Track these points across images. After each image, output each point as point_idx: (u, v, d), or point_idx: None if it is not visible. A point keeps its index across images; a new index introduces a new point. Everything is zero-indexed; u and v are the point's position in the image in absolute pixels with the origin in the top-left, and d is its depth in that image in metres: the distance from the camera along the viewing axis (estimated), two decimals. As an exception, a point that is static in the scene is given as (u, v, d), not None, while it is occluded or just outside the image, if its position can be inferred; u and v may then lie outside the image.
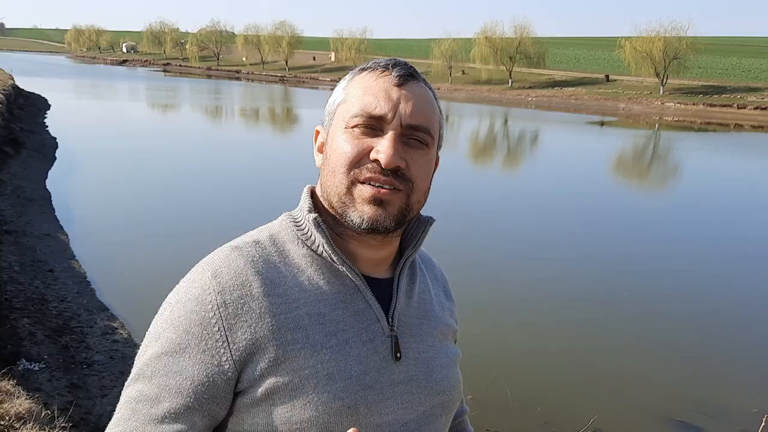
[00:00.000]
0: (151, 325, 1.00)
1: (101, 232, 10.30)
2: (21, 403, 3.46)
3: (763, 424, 4.95)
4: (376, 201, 0.97)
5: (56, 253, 8.90)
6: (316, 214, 1.01)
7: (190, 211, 11.88)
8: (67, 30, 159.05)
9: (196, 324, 0.94)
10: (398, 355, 1.02)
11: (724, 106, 44.56)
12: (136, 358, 1.00)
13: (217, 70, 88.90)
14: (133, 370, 0.99)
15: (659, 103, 47.56)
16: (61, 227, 10.24)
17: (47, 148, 17.87)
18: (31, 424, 3.19)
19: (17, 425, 3.19)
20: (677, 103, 46.80)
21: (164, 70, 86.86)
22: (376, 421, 0.98)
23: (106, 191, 13.48)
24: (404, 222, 1.02)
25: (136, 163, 16.92)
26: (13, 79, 33.50)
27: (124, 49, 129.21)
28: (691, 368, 6.53)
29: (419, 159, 1.00)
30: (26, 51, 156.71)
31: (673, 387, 6.06)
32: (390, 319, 1.03)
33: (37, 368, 5.42)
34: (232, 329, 0.94)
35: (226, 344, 0.94)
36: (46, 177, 14.11)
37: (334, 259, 1.01)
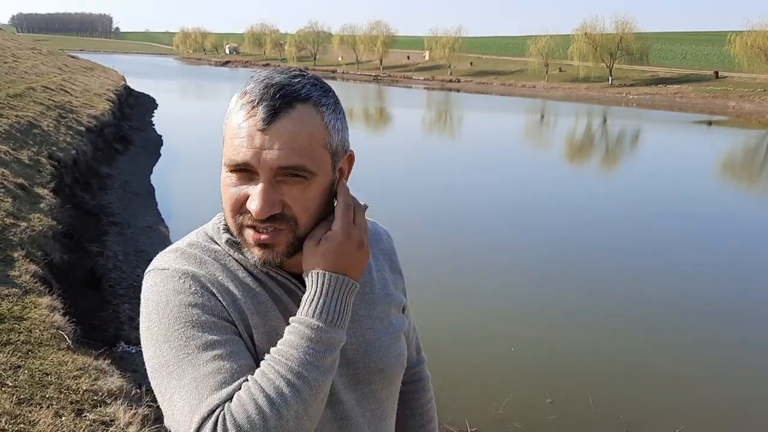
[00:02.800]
0: (148, 332, 1.01)
1: (198, 225, 10.79)
2: (114, 381, 3.71)
3: None
4: (261, 245, 1.02)
5: (157, 245, 9.41)
6: (228, 236, 1.07)
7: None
8: (175, 33, 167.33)
9: (189, 293, 1.01)
10: None
11: None
12: (156, 366, 0.99)
13: (314, 69, 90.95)
14: (161, 369, 0.98)
15: (774, 100, 44.58)
16: (162, 220, 10.82)
17: (153, 145, 18.91)
18: (120, 401, 3.42)
19: (108, 401, 3.43)
20: (794, 100, 43.72)
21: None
22: None
23: (206, 187, 14.09)
24: (298, 250, 1.04)
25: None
26: (125, 80, 35.67)
27: (227, 51, 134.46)
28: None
29: (299, 194, 1.00)
30: (138, 53, 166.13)
31: (764, 400, 5.71)
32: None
33: (134, 351, 5.77)
34: (219, 292, 1.02)
35: (222, 307, 1.01)
36: (151, 172, 14.95)
37: (258, 270, 1.08)
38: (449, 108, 41.31)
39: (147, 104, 31.01)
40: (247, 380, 0.93)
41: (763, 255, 10.39)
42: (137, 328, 4.33)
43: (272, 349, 0.97)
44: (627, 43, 59.54)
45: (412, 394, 1.42)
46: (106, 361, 4.08)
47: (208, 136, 22.67)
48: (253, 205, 0.98)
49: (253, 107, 0.97)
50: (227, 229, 1.08)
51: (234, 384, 0.93)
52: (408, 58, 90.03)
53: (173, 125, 24.11)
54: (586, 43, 60.26)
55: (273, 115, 0.97)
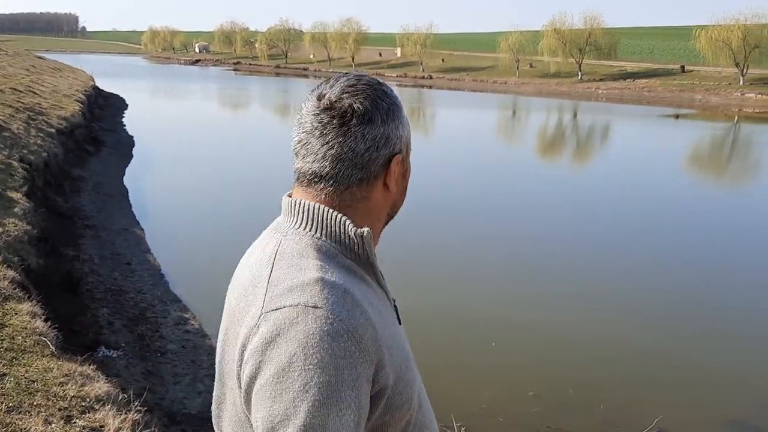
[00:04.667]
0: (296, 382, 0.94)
1: (175, 227, 10.73)
2: (100, 386, 3.68)
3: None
4: None
5: (133, 247, 9.33)
6: (368, 228, 1.10)
7: (261, 205, 12.19)
8: (143, 32, 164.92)
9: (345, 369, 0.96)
10: (399, 320, 1.18)
11: (812, 96, 42.25)
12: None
13: (286, 68, 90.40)
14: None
15: (739, 94, 45.47)
16: (137, 222, 10.71)
17: (125, 146, 18.68)
18: (109, 406, 3.41)
19: (97, 407, 3.41)
20: (759, 93, 44.62)
21: (235, 69, 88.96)
22: (413, 377, 1.14)
23: (180, 187, 14.00)
24: None
25: (208, 159, 17.49)
26: (93, 80, 35.12)
27: (197, 49, 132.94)
28: (763, 369, 6.29)
29: None
30: (106, 53, 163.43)
31: (744, 388, 5.86)
32: (387, 293, 1.18)
33: (115, 355, 5.73)
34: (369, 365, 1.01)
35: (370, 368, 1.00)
36: (124, 174, 14.76)
37: (372, 262, 1.13)
38: (422, 105, 41.43)
39: (117, 105, 30.60)
40: None
41: (739, 244, 10.63)
42: (117, 332, 4.27)
43: None
44: (595, 39, 60.26)
45: None
46: (91, 367, 4.05)
47: (180, 135, 22.52)
48: None
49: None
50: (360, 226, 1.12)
51: None
52: (380, 55, 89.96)
53: (145, 125, 23.81)
54: (556, 38, 60.84)
55: None
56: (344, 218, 1.10)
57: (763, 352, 6.64)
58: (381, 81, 1.14)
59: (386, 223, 1.21)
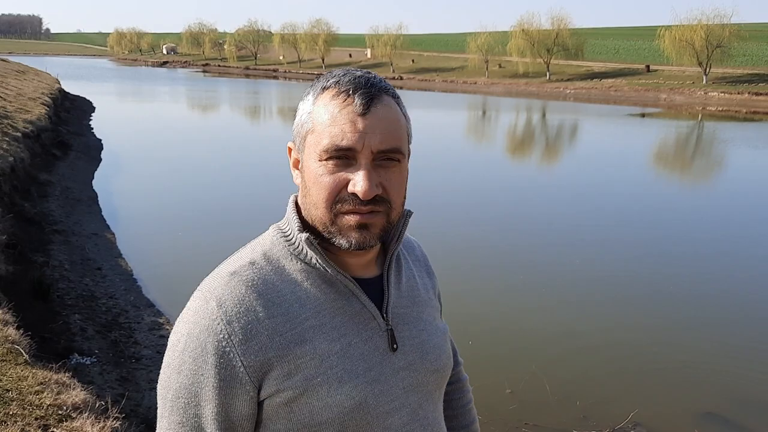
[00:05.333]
0: (168, 356, 1.07)
1: (146, 231, 10.59)
2: (77, 394, 3.63)
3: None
4: (361, 227, 1.04)
5: (104, 252, 9.19)
6: (308, 234, 1.07)
7: (232, 208, 12.11)
8: (109, 33, 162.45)
9: (211, 354, 1.02)
10: (395, 345, 1.12)
11: (772, 94, 43.31)
12: (161, 388, 1.07)
13: (255, 69, 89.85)
14: (163, 403, 1.07)
15: (702, 93, 46.45)
16: (108, 226, 10.55)
17: (93, 150, 18.38)
18: (86, 414, 3.36)
19: (74, 415, 3.36)
20: (721, 92, 45.65)
21: (203, 71, 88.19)
22: (385, 409, 1.08)
23: (150, 190, 13.83)
24: (386, 235, 1.10)
25: (178, 162, 17.30)
26: (59, 83, 34.48)
27: (165, 51, 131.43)
28: (738, 362, 6.43)
29: (394, 177, 1.06)
30: (70, 55, 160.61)
31: (718, 381, 5.99)
32: (384, 315, 1.13)
33: (88, 362, 5.64)
34: (245, 354, 1.02)
35: (243, 369, 1.01)
36: (93, 178, 14.54)
37: (329, 270, 1.08)
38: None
39: (84, 108, 30.09)
40: None
41: (710, 238, 10.84)
42: (90, 339, 4.24)
43: None
44: (563, 39, 61.03)
45: (453, 395, 1.47)
46: (66, 374, 3.99)
47: (149, 138, 22.23)
48: (359, 186, 1.01)
49: (348, 96, 1.02)
50: (302, 229, 1.09)
51: None
52: (350, 56, 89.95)
53: (113, 128, 23.48)
54: (524, 39, 61.50)
55: (370, 101, 1.03)
56: (294, 214, 1.12)
57: (735, 347, 6.80)
58: (336, 71, 1.09)
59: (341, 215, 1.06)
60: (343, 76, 1.05)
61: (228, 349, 1.01)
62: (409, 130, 1.11)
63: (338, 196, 1.04)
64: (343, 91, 1.03)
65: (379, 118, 1.02)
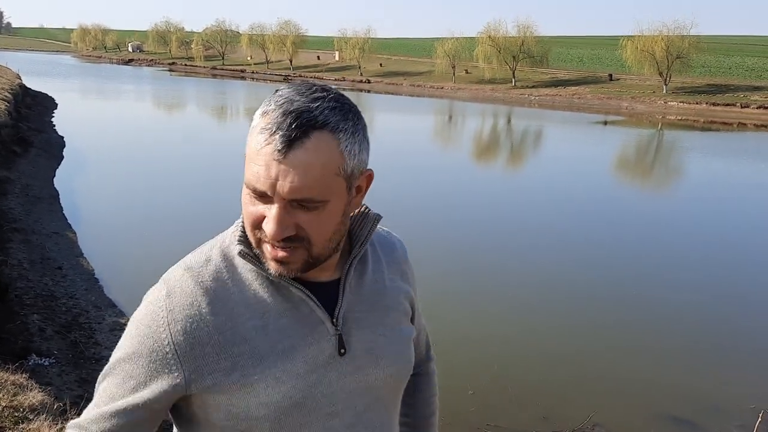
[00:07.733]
0: (124, 332, 1.15)
1: (108, 230, 10.43)
2: (34, 395, 3.57)
3: (760, 419, 5.04)
4: (277, 261, 1.06)
5: (64, 251, 9.03)
6: (242, 248, 1.09)
7: (196, 208, 11.99)
8: (73, 29, 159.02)
9: (148, 337, 1.08)
10: (342, 350, 1.13)
11: (728, 105, 44.43)
12: (111, 355, 1.15)
13: (222, 69, 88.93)
14: (105, 366, 1.14)
15: (662, 102, 47.48)
16: (69, 225, 10.37)
17: (55, 147, 18.02)
18: (44, 416, 3.31)
19: (31, 416, 3.31)
20: (680, 102, 46.72)
21: (170, 70, 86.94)
22: (327, 411, 1.11)
23: (113, 189, 13.61)
24: (316, 265, 1.10)
25: (142, 161, 17.07)
26: (20, 78, 33.70)
27: (130, 49, 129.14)
28: (689, 364, 6.62)
29: (313, 218, 1.04)
30: (32, 50, 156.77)
31: (672, 383, 6.15)
32: (335, 320, 1.13)
33: (47, 363, 5.54)
34: (179, 344, 1.06)
35: (174, 356, 1.06)
36: (54, 175, 14.26)
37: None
38: (361, 109, 41.41)
39: (46, 104, 29.47)
40: None
41: (669, 243, 11.09)
42: (48, 339, 4.19)
43: None
44: (528, 47, 61.72)
45: (417, 386, 1.48)
46: (24, 375, 3.92)
47: (113, 137, 21.84)
48: (268, 228, 1.02)
49: (271, 134, 0.99)
50: (242, 241, 1.11)
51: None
52: (318, 58, 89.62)
53: (76, 126, 23.03)
54: (491, 45, 62.02)
55: (288, 145, 0.98)
56: (240, 226, 1.13)
57: (690, 351, 6.99)
58: (284, 91, 1.05)
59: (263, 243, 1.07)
60: (279, 105, 1.01)
61: (164, 335, 1.06)
62: (347, 166, 1.04)
63: (258, 225, 1.05)
64: (268, 128, 1.00)
65: (295, 165, 0.99)
